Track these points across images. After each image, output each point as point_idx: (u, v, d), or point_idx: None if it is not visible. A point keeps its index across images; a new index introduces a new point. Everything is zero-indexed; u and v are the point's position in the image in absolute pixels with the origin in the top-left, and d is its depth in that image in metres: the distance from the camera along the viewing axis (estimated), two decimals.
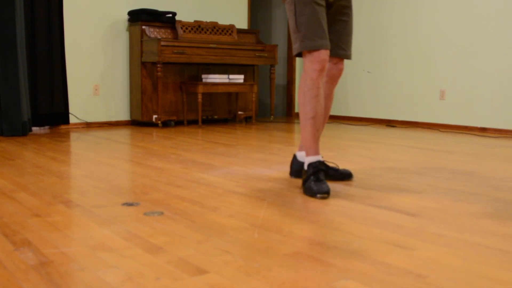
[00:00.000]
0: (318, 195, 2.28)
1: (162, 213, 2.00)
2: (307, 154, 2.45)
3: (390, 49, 6.06)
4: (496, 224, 1.89)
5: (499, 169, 3.05)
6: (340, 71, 2.67)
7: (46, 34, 5.06)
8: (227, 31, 5.97)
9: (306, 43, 2.40)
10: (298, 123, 6.13)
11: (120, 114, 5.71)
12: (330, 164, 2.86)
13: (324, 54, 2.41)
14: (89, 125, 5.47)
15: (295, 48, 2.48)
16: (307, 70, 2.42)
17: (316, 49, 2.39)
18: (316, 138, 2.46)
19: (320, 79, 2.42)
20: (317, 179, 2.35)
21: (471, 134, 5.02)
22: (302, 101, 2.44)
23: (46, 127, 5.24)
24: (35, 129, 5.13)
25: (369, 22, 6.27)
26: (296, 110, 7.30)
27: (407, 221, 1.92)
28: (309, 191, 2.31)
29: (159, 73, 5.30)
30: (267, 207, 2.12)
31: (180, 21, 5.63)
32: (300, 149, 2.71)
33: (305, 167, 2.43)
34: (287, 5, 2.49)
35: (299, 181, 2.62)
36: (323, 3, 2.43)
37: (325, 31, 2.42)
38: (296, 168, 2.71)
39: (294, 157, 2.73)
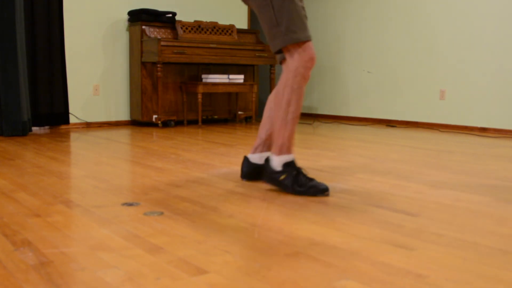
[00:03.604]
0: (325, 193, 2.31)
1: (162, 213, 2.00)
2: (282, 153, 2.34)
3: (390, 49, 6.06)
4: (496, 224, 1.89)
5: (499, 169, 3.05)
6: None
7: (46, 34, 5.06)
8: (227, 31, 5.97)
9: (291, 36, 2.26)
10: (299, 123, 6.13)
11: (120, 114, 5.71)
12: None
13: (312, 46, 2.30)
14: (89, 125, 5.47)
15: (276, 44, 2.29)
16: (297, 67, 2.28)
17: (305, 40, 2.27)
18: (294, 137, 2.39)
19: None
20: (305, 177, 2.33)
21: (471, 134, 5.02)
22: (288, 99, 2.29)
23: (46, 127, 5.23)
24: (35, 129, 5.13)
25: (369, 22, 6.27)
26: None
27: (407, 221, 1.92)
28: (309, 191, 2.31)
29: (159, 73, 5.30)
30: (267, 207, 2.12)
31: (180, 21, 5.63)
32: (254, 152, 2.63)
33: (279, 167, 2.33)
34: (257, 0, 2.32)
35: None
36: None
37: (306, 23, 2.31)
38: (248, 171, 2.63)
39: (246, 159, 2.64)
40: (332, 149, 3.86)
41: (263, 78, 7.47)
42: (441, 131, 5.24)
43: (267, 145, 2.63)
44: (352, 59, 6.51)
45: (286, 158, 2.34)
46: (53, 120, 5.16)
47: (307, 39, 2.30)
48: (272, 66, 6.13)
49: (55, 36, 5.09)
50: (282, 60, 2.46)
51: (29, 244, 1.62)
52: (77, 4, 5.32)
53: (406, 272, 1.41)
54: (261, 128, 2.64)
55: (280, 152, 2.34)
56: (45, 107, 5.08)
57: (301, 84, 2.31)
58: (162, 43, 5.24)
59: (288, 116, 2.31)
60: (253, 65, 6.30)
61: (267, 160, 2.39)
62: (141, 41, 5.44)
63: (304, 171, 2.37)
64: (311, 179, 2.34)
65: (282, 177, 2.32)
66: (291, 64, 2.30)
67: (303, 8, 2.40)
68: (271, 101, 2.60)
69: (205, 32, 5.80)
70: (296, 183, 2.31)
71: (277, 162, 2.34)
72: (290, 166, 2.33)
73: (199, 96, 5.41)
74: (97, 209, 2.07)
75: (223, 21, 6.42)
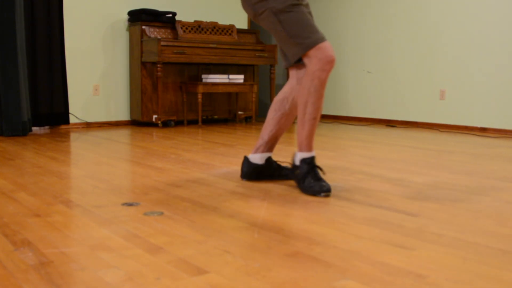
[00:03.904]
0: (322, 194, 2.29)
1: (162, 213, 2.00)
2: (301, 150, 2.42)
3: (390, 49, 6.06)
4: (496, 224, 1.89)
5: (499, 169, 3.05)
6: None
7: (46, 34, 5.06)
8: (227, 31, 5.97)
9: (306, 42, 2.31)
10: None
11: (120, 114, 5.71)
12: (283, 164, 2.87)
13: (329, 46, 2.33)
14: (89, 125, 5.47)
15: (295, 53, 2.36)
16: (314, 71, 2.32)
17: (318, 42, 2.30)
18: (313, 136, 2.43)
19: (328, 78, 2.38)
20: (315, 176, 2.35)
21: (471, 134, 5.02)
22: (304, 100, 2.36)
23: (46, 127, 5.24)
24: (35, 129, 5.13)
25: (370, 22, 6.27)
26: None
27: (407, 221, 1.92)
28: (310, 190, 2.32)
29: (159, 73, 5.30)
30: (267, 207, 2.12)
31: (180, 21, 5.63)
32: (255, 152, 2.64)
33: (297, 162, 2.41)
34: (265, 20, 2.39)
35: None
36: (300, 1, 2.36)
37: (316, 26, 2.36)
38: (248, 171, 2.64)
39: (246, 159, 2.65)
40: (332, 149, 3.86)
41: (263, 78, 7.46)
42: (441, 131, 5.24)
43: (268, 146, 2.63)
44: (352, 59, 6.51)
45: (304, 155, 2.41)
46: (53, 120, 5.16)
47: (322, 40, 2.32)
48: (272, 66, 6.13)
49: (55, 36, 5.09)
50: (290, 67, 2.52)
51: (29, 244, 1.62)
52: (77, 4, 5.32)
53: (406, 272, 1.41)
54: (264, 129, 2.64)
55: (300, 149, 2.43)
56: (45, 107, 5.08)
57: (317, 88, 2.34)
58: (162, 43, 5.24)
59: (305, 117, 2.38)
60: (253, 65, 6.29)
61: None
62: (141, 41, 5.44)
63: (317, 170, 2.38)
64: (319, 179, 2.34)
65: (297, 172, 2.41)
66: (310, 67, 2.35)
67: (309, 13, 2.43)
68: (276, 102, 2.61)
69: (205, 32, 5.80)
70: (304, 180, 2.36)
71: (297, 157, 2.44)
72: (306, 162, 2.39)
73: (199, 96, 5.41)
74: (97, 209, 2.07)
75: (223, 21, 6.42)
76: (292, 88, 2.55)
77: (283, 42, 2.41)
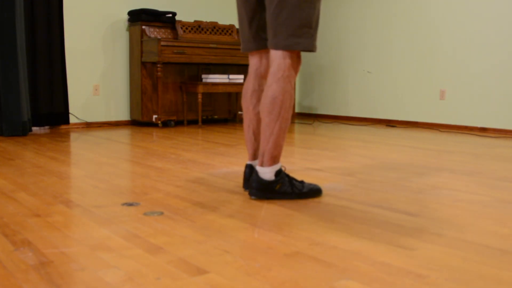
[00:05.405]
0: (322, 192, 2.31)
1: (162, 213, 2.00)
2: (275, 162, 2.19)
3: (390, 49, 6.06)
4: (496, 224, 1.89)
5: (499, 169, 3.05)
6: None
7: (46, 34, 5.06)
8: (227, 31, 5.97)
9: (314, 43, 2.21)
10: (299, 123, 6.13)
11: (120, 114, 5.71)
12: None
13: None
14: (89, 125, 5.47)
15: (300, 43, 2.14)
16: (294, 74, 2.19)
17: (315, 50, 2.24)
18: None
19: None
20: (297, 180, 2.28)
21: (471, 134, 5.02)
22: (287, 106, 2.16)
23: (46, 127, 5.23)
24: (35, 129, 5.13)
25: (370, 22, 6.27)
26: (297, 110, 7.29)
27: (407, 221, 1.92)
28: (311, 194, 2.28)
29: (159, 73, 5.30)
30: (267, 207, 2.12)
31: (180, 21, 5.63)
32: (252, 159, 2.42)
33: (272, 177, 2.20)
34: None
35: None
36: None
37: None
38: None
39: (251, 167, 2.40)
40: (332, 149, 3.86)
41: None
42: (441, 131, 5.24)
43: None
44: (352, 59, 6.51)
45: (277, 166, 2.21)
46: (53, 120, 5.16)
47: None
48: None
49: (55, 36, 5.09)
50: (257, 51, 2.37)
51: (29, 244, 1.62)
52: (77, 4, 5.32)
53: (406, 272, 1.41)
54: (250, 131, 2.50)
55: (274, 162, 2.20)
56: (45, 107, 5.08)
57: (293, 91, 2.22)
58: (162, 43, 5.24)
59: (286, 123, 2.18)
60: None
61: (256, 174, 2.21)
62: (141, 41, 5.44)
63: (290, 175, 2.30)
64: (302, 181, 2.30)
65: (278, 186, 2.21)
66: (290, 68, 2.17)
67: None
68: (252, 98, 2.47)
69: (205, 32, 5.80)
70: (294, 187, 2.24)
71: (271, 173, 2.19)
72: (280, 173, 2.21)
73: (199, 96, 5.41)
74: (97, 209, 2.07)
75: (223, 21, 6.42)
76: (257, 76, 2.41)
77: (298, 26, 2.13)
